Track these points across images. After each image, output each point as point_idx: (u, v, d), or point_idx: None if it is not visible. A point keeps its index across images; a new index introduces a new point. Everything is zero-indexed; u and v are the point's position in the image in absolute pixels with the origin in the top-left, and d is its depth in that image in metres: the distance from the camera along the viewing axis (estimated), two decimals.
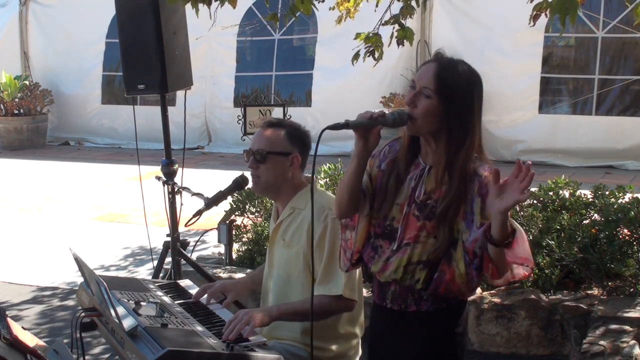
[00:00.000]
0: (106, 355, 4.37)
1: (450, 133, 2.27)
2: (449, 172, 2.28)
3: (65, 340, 2.94)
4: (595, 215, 4.58)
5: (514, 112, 10.05)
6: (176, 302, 2.90)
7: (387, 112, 2.29)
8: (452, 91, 2.25)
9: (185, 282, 3.25)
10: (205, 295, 2.96)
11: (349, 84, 10.36)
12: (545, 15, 3.65)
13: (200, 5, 4.04)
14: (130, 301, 2.71)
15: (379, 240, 2.41)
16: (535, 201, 4.72)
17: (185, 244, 4.25)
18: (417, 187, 2.35)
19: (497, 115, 10.08)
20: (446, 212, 2.26)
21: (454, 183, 2.26)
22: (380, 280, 2.44)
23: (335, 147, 9.66)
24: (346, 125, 2.24)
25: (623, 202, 4.53)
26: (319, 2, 4.58)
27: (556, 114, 10.12)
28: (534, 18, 3.76)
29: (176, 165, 4.16)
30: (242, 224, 5.48)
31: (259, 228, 5.23)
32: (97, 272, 3.90)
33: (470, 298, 4.19)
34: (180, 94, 4.50)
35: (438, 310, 2.37)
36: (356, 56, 4.83)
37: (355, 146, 2.32)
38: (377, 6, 5.02)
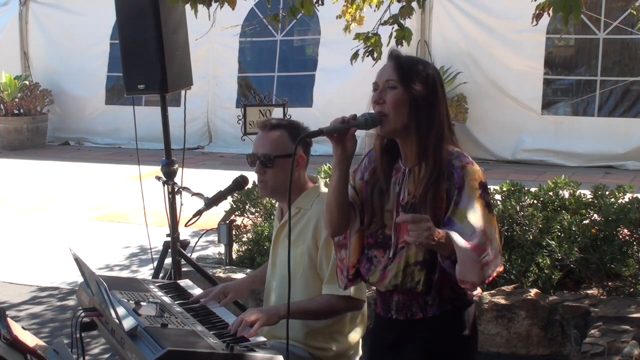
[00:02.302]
0: (106, 355, 4.37)
1: (418, 119, 2.29)
2: (424, 158, 2.29)
3: (65, 340, 2.94)
4: (595, 215, 4.58)
5: (516, 112, 10.05)
6: (176, 302, 2.90)
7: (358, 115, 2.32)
8: (414, 77, 2.30)
9: (185, 282, 3.25)
10: (206, 298, 2.96)
11: (350, 85, 10.37)
12: (548, 14, 3.64)
13: (200, 7, 4.04)
14: (130, 301, 2.71)
15: (372, 251, 2.41)
16: (535, 201, 4.72)
17: (185, 244, 4.25)
18: (401, 191, 2.35)
19: (499, 115, 10.09)
20: (425, 195, 2.26)
21: (429, 166, 2.28)
22: (381, 290, 2.43)
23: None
24: (320, 132, 2.27)
25: (623, 202, 4.53)
26: (318, 5, 4.58)
27: (558, 115, 10.13)
28: (537, 17, 3.75)
29: (176, 165, 4.16)
30: (242, 224, 5.48)
31: (259, 228, 5.23)
32: (97, 272, 3.90)
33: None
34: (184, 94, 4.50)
35: (444, 313, 2.36)
36: (355, 56, 4.84)
37: (334, 155, 2.32)
38: (378, 8, 5.03)
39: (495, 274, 2.27)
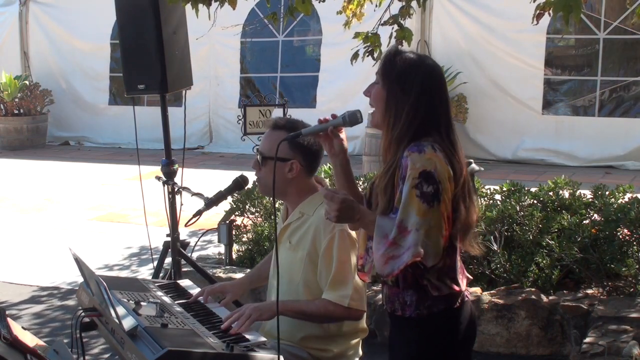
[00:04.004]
0: (106, 355, 4.37)
1: (388, 116, 2.34)
2: (389, 153, 2.35)
3: (65, 340, 2.94)
4: (595, 215, 4.58)
5: (516, 112, 10.05)
6: (176, 302, 2.90)
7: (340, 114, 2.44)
8: (391, 72, 2.35)
9: (185, 282, 3.25)
10: (204, 295, 2.97)
11: (353, 85, 10.37)
12: (549, 14, 3.64)
13: (201, 6, 4.04)
14: (130, 301, 2.71)
15: (370, 242, 2.43)
16: (535, 201, 4.72)
17: (185, 244, 4.25)
18: None
19: (500, 115, 10.09)
20: (380, 183, 2.34)
21: (388, 157, 2.35)
22: (367, 281, 2.53)
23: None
24: (300, 134, 2.45)
25: (623, 202, 4.53)
26: (319, 2, 4.58)
27: (558, 115, 10.13)
28: (537, 17, 3.75)
29: (176, 165, 4.16)
30: (242, 224, 5.48)
31: (259, 228, 5.23)
32: (97, 272, 3.90)
33: (470, 299, 4.22)
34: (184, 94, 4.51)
35: (420, 317, 2.35)
36: (355, 56, 4.84)
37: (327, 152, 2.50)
38: (378, 6, 5.02)
39: (398, 270, 2.20)
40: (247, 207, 5.49)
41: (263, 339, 2.54)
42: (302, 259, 2.83)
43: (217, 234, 5.35)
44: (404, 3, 4.83)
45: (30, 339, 2.60)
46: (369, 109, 2.46)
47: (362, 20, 5.16)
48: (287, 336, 2.84)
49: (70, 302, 5.33)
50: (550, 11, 3.53)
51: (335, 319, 2.79)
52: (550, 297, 4.32)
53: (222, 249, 5.47)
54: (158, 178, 4.13)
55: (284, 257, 2.91)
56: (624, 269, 4.28)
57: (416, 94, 2.31)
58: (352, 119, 2.40)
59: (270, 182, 2.87)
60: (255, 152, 2.98)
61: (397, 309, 2.40)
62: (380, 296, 4.25)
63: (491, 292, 4.38)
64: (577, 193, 4.76)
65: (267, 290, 3.08)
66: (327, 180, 5.35)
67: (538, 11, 3.73)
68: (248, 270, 4.98)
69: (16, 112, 12.64)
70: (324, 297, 2.77)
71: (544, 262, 4.41)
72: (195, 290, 3.07)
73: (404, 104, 2.31)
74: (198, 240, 4.51)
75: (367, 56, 4.84)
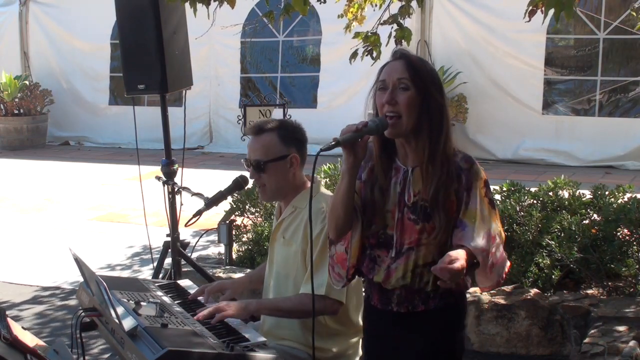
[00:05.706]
0: (106, 355, 4.37)
1: (430, 121, 2.29)
2: (432, 160, 2.29)
3: (65, 340, 2.94)
4: (595, 215, 4.58)
5: (516, 112, 10.05)
6: (176, 302, 2.90)
7: (368, 121, 2.28)
8: (426, 79, 2.30)
9: (185, 282, 3.25)
10: (204, 295, 2.97)
11: (354, 85, 10.38)
12: (541, 11, 3.63)
13: (200, 6, 4.04)
14: (130, 301, 2.71)
15: (375, 251, 2.40)
16: (535, 201, 4.72)
17: (185, 244, 4.25)
18: (405, 191, 2.34)
19: (500, 115, 10.09)
20: (436, 196, 2.28)
21: (437, 167, 2.29)
22: (387, 288, 2.41)
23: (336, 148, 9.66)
24: (338, 143, 2.22)
25: (623, 202, 4.53)
26: (320, 3, 4.58)
27: (558, 115, 10.13)
28: (530, 13, 3.75)
29: (176, 165, 4.16)
30: (242, 224, 5.48)
31: (259, 228, 5.23)
32: (98, 273, 3.90)
33: (470, 298, 4.22)
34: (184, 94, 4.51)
35: (447, 305, 2.39)
36: (354, 55, 4.84)
37: (344, 163, 2.28)
38: (379, 8, 5.03)
39: (507, 270, 2.36)
40: (247, 207, 5.49)
41: (263, 339, 2.54)
42: (296, 252, 2.85)
43: (217, 234, 5.35)
44: (403, 2, 4.83)
45: (30, 339, 2.60)
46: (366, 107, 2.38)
47: (363, 23, 5.17)
48: (289, 334, 2.85)
49: (71, 302, 5.33)
50: (543, 8, 3.53)
51: (311, 311, 2.76)
52: (550, 297, 4.32)
53: (222, 249, 5.48)
54: (158, 178, 4.13)
55: (279, 252, 2.92)
56: (624, 269, 4.29)
57: (445, 94, 2.36)
58: (384, 125, 2.26)
59: (274, 186, 2.88)
60: (245, 163, 2.94)
61: (417, 305, 2.39)
62: None
63: (491, 292, 4.38)
64: (577, 193, 4.75)
65: (263, 291, 3.09)
66: (325, 180, 5.37)
67: (531, 7, 3.72)
68: (248, 270, 4.98)
69: (16, 112, 12.64)
70: (301, 292, 2.78)
71: (544, 262, 4.41)
72: (195, 291, 3.07)
73: (443, 105, 2.31)
74: (198, 240, 4.52)
75: (367, 55, 4.84)
